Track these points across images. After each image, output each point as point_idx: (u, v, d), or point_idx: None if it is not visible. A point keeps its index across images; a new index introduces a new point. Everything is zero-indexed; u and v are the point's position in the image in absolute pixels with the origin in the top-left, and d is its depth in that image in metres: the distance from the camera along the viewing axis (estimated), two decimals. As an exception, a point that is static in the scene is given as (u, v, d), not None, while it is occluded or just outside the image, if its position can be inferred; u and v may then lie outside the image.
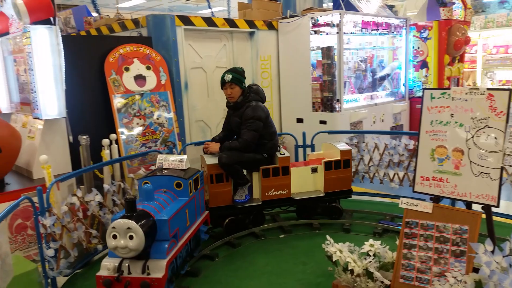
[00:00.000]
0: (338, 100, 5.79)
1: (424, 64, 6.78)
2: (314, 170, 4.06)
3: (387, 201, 4.66)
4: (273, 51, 6.29)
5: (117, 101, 4.60)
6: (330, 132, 4.98)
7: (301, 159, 4.87)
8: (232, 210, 3.78)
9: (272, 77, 6.33)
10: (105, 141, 4.13)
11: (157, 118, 4.89)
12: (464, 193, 2.61)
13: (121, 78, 4.65)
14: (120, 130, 4.58)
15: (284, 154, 3.93)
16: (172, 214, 2.84)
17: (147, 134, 4.80)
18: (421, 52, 6.77)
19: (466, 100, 2.65)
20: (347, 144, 4.63)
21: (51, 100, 3.79)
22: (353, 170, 4.62)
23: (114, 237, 2.51)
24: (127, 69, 4.70)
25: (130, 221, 2.50)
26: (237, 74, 3.79)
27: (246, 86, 3.93)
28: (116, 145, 4.24)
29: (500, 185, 2.49)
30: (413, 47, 6.88)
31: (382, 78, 6.85)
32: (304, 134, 4.85)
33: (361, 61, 6.56)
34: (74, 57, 4.29)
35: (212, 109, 5.70)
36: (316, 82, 5.97)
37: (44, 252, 2.97)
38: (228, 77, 3.74)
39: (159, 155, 3.33)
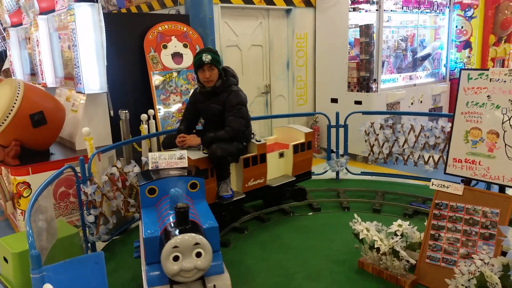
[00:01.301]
0: (375, 80, 5.69)
1: (467, 44, 6.51)
2: (281, 155, 3.97)
3: (420, 183, 4.60)
4: (310, 29, 6.22)
5: (155, 78, 4.74)
6: (364, 113, 4.92)
7: (333, 140, 4.86)
8: (218, 208, 3.36)
9: (308, 56, 6.28)
10: (144, 116, 4.30)
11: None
12: (497, 176, 2.56)
13: (159, 55, 4.77)
14: (157, 106, 4.73)
15: (260, 141, 3.68)
16: (214, 221, 2.38)
17: (183, 110, 4.93)
18: (464, 32, 6.49)
19: (504, 81, 2.57)
20: (381, 124, 4.59)
21: (93, 76, 3.96)
22: (386, 151, 4.59)
23: (176, 258, 1.99)
24: (165, 47, 4.81)
25: (197, 235, 2.03)
26: (216, 55, 3.38)
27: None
28: (153, 121, 4.41)
29: (536, 169, 2.42)
30: (456, 26, 6.59)
31: (423, 58, 6.64)
32: (337, 114, 4.82)
33: (401, 40, 6.37)
34: (115, 34, 4.43)
35: (246, 87, 5.73)
36: (353, 61, 5.88)
37: (85, 218, 3.17)
38: (208, 57, 3.28)
39: (150, 154, 2.77)
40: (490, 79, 2.63)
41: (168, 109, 4.83)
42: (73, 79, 4.16)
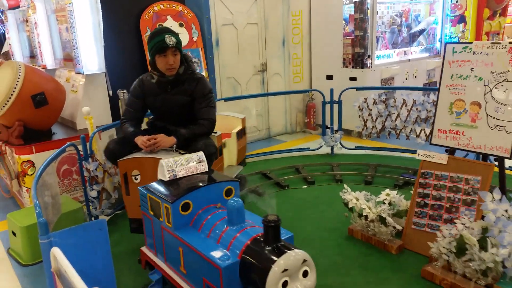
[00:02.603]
0: (369, 56, 5.76)
1: (462, 19, 6.54)
2: (224, 145, 3.74)
3: (412, 156, 4.72)
4: (305, 6, 6.25)
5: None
6: (358, 89, 5.02)
7: (327, 116, 4.98)
8: None
9: (303, 33, 6.33)
10: (141, 95, 4.41)
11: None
12: (479, 146, 2.69)
13: (155, 35, 4.84)
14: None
15: (217, 132, 3.36)
16: (286, 230, 2.04)
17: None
18: (459, 6, 6.51)
19: (487, 54, 2.67)
20: (374, 100, 4.70)
21: (92, 56, 4.05)
22: (379, 126, 4.70)
23: (285, 284, 1.66)
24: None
25: (304, 252, 1.72)
26: (179, 37, 2.89)
27: None
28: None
29: (515, 137, 2.54)
30: (451, 1, 6.60)
31: (418, 34, 6.68)
32: (331, 90, 4.92)
33: (396, 15, 6.40)
34: (111, 15, 4.50)
35: (243, 66, 5.83)
36: (347, 37, 5.93)
37: (88, 194, 3.33)
38: (172, 40, 2.78)
39: (164, 162, 2.27)
40: (474, 52, 2.72)
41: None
42: (72, 61, 4.25)
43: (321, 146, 5.10)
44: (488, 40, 6.49)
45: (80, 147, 3.29)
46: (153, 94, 3.01)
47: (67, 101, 4.16)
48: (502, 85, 2.59)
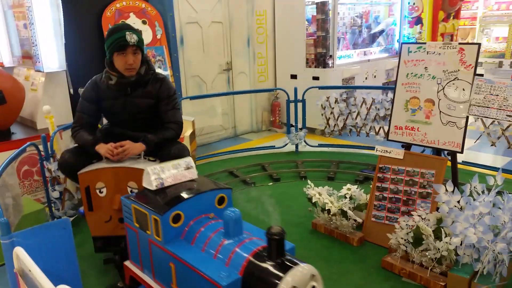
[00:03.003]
0: (331, 56, 5.91)
1: (418, 20, 6.82)
2: None
3: (372, 153, 4.91)
4: (269, 6, 6.33)
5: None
6: (320, 88, 5.15)
7: (292, 115, 5.08)
8: None
9: (268, 33, 6.41)
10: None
11: (154, 73, 5.05)
12: (432, 141, 2.84)
13: (118, 32, 4.77)
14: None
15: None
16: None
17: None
18: (416, 8, 6.79)
19: (439, 54, 2.83)
20: (336, 99, 4.84)
21: (52, 54, 3.96)
22: (341, 124, 4.85)
23: None
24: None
25: (311, 266, 1.61)
26: (141, 36, 2.68)
27: None
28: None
29: (465, 133, 2.71)
30: (408, 3, 6.89)
31: (377, 34, 6.92)
32: (295, 89, 5.03)
33: (357, 16, 6.60)
34: (72, 11, 4.40)
35: (208, 65, 5.84)
36: (310, 38, 6.06)
37: (50, 194, 3.26)
38: (133, 37, 2.55)
39: (149, 169, 2.06)
40: (427, 52, 2.88)
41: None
42: (31, 58, 4.13)
43: (286, 144, 5.20)
44: (443, 41, 6.80)
45: (41, 147, 3.21)
46: (111, 97, 2.70)
47: (26, 100, 4.04)
48: (453, 83, 2.75)
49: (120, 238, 2.54)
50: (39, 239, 1.85)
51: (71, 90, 4.20)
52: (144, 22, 4.94)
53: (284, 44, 6.38)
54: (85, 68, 4.68)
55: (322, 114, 4.92)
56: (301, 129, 5.09)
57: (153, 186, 2.03)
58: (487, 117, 2.67)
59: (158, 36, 5.05)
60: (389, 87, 5.45)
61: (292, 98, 5.04)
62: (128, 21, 4.81)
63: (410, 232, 2.55)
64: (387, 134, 3.10)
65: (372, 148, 4.97)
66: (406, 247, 2.57)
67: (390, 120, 3.06)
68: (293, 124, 5.12)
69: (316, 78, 5.95)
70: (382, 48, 6.95)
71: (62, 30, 3.93)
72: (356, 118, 4.76)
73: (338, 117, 4.85)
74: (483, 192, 2.41)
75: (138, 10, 4.90)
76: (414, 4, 6.81)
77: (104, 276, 2.68)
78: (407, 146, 2.97)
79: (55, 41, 3.93)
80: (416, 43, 2.97)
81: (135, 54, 2.61)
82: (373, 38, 6.87)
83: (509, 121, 2.61)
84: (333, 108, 4.84)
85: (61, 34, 3.93)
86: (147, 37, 4.95)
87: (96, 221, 2.58)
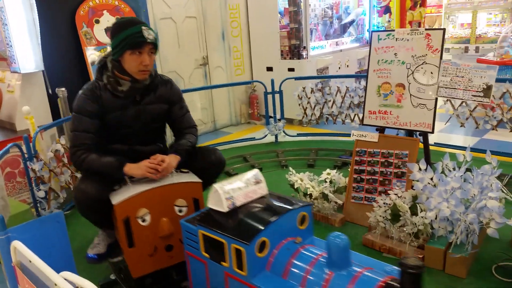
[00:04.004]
0: (304, 47, 6.04)
1: (387, 9, 7.02)
2: None
3: (348, 139, 5.07)
4: (242, 0, 6.40)
5: (90, 54, 4.75)
6: (296, 78, 5.27)
7: (270, 107, 5.19)
8: None
9: (242, 27, 6.49)
10: (82, 93, 4.35)
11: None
12: (405, 123, 3.00)
13: (93, 30, 4.76)
14: (95, 82, 4.77)
15: None
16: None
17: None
18: (384, -2, 6.99)
19: (408, 40, 2.98)
20: (312, 89, 4.97)
21: (28, 54, 3.93)
22: (318, 113, 4.99)
23: None
24: (97, 22, 4.80)
25: None
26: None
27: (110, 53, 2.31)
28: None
29: (435, 114, 2.88)
30: (377, -7, 7.08)
31: (348, 25, 7.09)
32: (272, 81, 5.13)
33: (327, 8, 6.75)
34: (47, 10, 4.36)
35: (184, 60, 5.88)
36: (283, 30, 6.17)
37: (35, 194, 3.27)
38: (151, 34, 2.20)
39: (217, 186, 1.74)
40: (396, 38, 3.03)
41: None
42: (6, 60, 4.09)
43: (265, 135, 5.31)
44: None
45: (24, 148, 3.22)
46: (119, 107, 2.28)
47: (3, 102, 4.01)
48: (422, 67, 2.91)
49: (170, 269, 2.26)
50: (34, 233, 1.90)
51: (50, 90, 4.19)
52: (118, 20, 4.94)
53: (259, 37, 6.47)
54: (63, 67, 4.67)
55: (299, 104, 5.05)
56: (279, 120, 5.21)
57: (224, 208, 1.70)
58: (454, 98, 2.83)
59: (133, 33, 5.06)
60: (362, 75, 5.64)
61: (269, 90, 5.15)
62: (102, 19, 4.81)
63: (388, 210, 2.70)
64: (361, 119, 3.25)
65: (348, 135, 5.11)
66: (385, 224, 2.72)
67: (364, 106, 3.20)
68: (272, 115, 5.23)
69: (291, 70, 6.07)
70: (353, 38, 7.13)
71: (37, 30, 3.91)
72: (331, 106, 4.91)
73: (314, 106, 4.99)
74: (454, 169, 2.57)
75: (111, 7, 4.89)
76: (382, -7, 7.01)
77: (95, 272, 2.71)
78: (381, 129, 3.12)
79: (30, 41, 3.90)
80: (386, 30, 3.11)
81: (150, 54, 2.23)
82: (344, 28, 7.04)
83: (475, 101, 2.78)
84: (309, 98, 4.97)
85: (36, 34, 3.91)
86: (122, 34, 4.95)
87: (138, 258, 2.16)
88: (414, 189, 2.72)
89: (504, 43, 5.75)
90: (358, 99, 4.67)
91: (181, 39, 5.80)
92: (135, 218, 2.10)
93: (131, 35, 2.15)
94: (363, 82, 4.61)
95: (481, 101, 2.77)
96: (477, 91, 2.75)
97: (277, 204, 1.76)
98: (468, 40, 8.00)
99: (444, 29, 2.86)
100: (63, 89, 4.05)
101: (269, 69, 6.41)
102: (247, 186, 1.79)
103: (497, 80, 3.72)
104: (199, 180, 2.24)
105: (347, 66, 6.67)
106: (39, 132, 3.40)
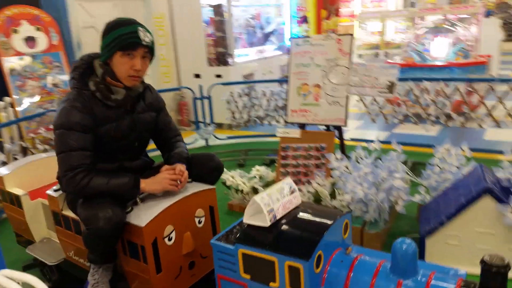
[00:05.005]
0: (230, 55, 6.28)
1: (305, 19, 7.52)
2: None
3: (274, 140, 5.37)
4: (166, 10, 6.50)
5: (9, 64, 4.58)
6: (224, 84, 5.48)
7: (199, 112, 5.34)
8: None
9: (168, 35, 6.58)
10: (0, 104, 4.18)
11: (52, 79, 4.96)
12: (322, 119, 3.32)
13: (10, 40, 4.60)
14: (14, 93, 4.60)
15: None
16: None
17: (42, 95, 4.87)
18: (302, 8, 7.48)
19: (322, 45, 3.31)
20: (239, 93, 5.21)
21: None
22: (246, 116, 5.23)
23: None
24: (15, 31, 4.65)
25: None
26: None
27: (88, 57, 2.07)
28: (11, 108, 4.31)
29: (347, 110, 3.23)
30: (295, 4, 7.54)
31: (270, 34, 7.47)
32: (200, 86, 5.30)
33: (250, 17, 7.07)
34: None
35: (110, 69, 5.83)
36: (210, 38, 6.37)
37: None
38: (147, 36, 1.97)
39: (255, 198, 1.55)
40: (312, 44, 3.35)
41: (26, 95, 4.72)
42: None
43: (196, 140, 5.44)
44: (327, 37, 7.58)
45: None
46: (113, 118, 2.01)
47: None
48: (335, 69, 3.25)
49: None
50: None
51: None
52: (38, 29, 4.82)
53: (185, 45, 6.59)
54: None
55: (228, 109, 5.26)
56: (209, 124, 5.37)
57: (267, 222, 1.52)
58: (363, 95, 3.20)
59: (54, 42, 4.96)
60: (285, 79, 5.98)
61: (198, 95, 5.30)
62: (20, 29, 4.67)
63: (311, 196, 2.98)
64: (286, 117, 3.51)
65: (275, 136, 5.45)
66: (310, 210, 2.99)
67: (287, 106, 3.48)
68: (201, 120, 5.38)
69: (219, 76, 6.27)
70: (276, 46, 7.52)
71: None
72: (258, 110, 5.17)
73: (242, 110, 5.22)
74: (365, 157, 2.91)
75: (31, 17, 4.76)
76: (300, 4, 7.49)
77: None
78: (302, 126, 3.41)
79: None
80: (303, 37, 3.43)
81: (144, 58, 1.99)
82: (266, 37, 7.41)
83: (381, 96, 3.16)
84: (237, 102, 5.20)
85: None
86: (42, 43, 4.84)
87: (166, 284, 1.92)
88: (332, 177, 3.03)
89: (408, 48, 6.44)
90: (282, 102, 4.98)
91: (105, 48, 5.75)
92: (162, 238, 1.88)
93: (124, 34, 1.92)
94: (286, 86, 4.93)
95: (386, 96, 3.17)
96: (382, 88, 3.14)
97: (318, 213, 1.62)
98: (378, 46, 8.78)
99: (352, 35, 3.23)
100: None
101: (197, 76, 6.55)
102: (283, 196, 1.62)
103: (402, 80, 4.24)
104: (213, 186, 2.14)
105: (271, 72, 7.03)
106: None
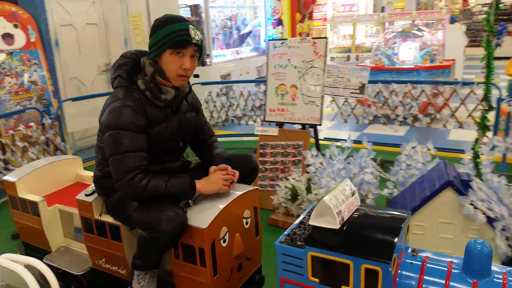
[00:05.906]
0: (208, 55, 6.39)
1: (280, 22, 7.72)
2: None
3: (252, 139, 5.54)
4: (143, 8, 6.54)
5: (-12, 59, 4.55)
6: (202, 83, 5.59)
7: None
8: None
9: (145, 34, 6.61)
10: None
11: (30, 77, 4.94)
12: (299, 118, 3.50)
13: (-14, 36, 4.57)
14: (-9, 89, 4.57)
15: None
16: None
17: (20, 93, 4.85)
18: (277, 11, 7.67)
19: (298, 47, 3.49)
20: (217, 93, 5.34)
21: None
22: (224, 116, 5.37)
23: None
24: (-8, 27, 4.62)
25: None
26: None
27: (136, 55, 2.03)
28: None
29: (322, 109, 3.42)
30: (270, 6, 7.74)
31: (246, 35, 7.63)
32: (178, 86, 5.38)
33: (227, 19, 7.21)
34: None
35: (86, 66, 5.84)
36: (187, 38, 6.45)
37: None
38: (197, 35, 1.89)
39: (325, 201, 1.47)
40: (289, 46, 3.52)
41: (4, 92, 4.69)
42: None
43: (173, 138, 5.52)
44: (301, 39, 7.81)
45: None
46: (162, 119, 1.96)
47: None
48: (311, 71, 3.44)
49: None
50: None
51: None
52: (15, 26, 4.79)
53: (162, 45, 6.64)
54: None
55: (206, 108, 5.38)
56: (186, 123, 5.47)
57: (337, 224, 1.47)
58: (336, 95, 3.40)
59: (32, 40, 4.94)
60: (262, 80, 6.16)
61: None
62: (-3, 25, 4.64)
63: (288, 191, 3.15)
64: (263, 117, 3.68)
65: (252, 135, 5.62)
66: (286, 204, 3.16)
67: (265, 105, 3.64)
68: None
69: (196, 76, 6.37)
70: (252, 47, 7.69)
71: None
72: (236, 109, 5.32)
73: (220, 109, 5.36)
74: (338, 154, 3.11)
75: (8, 13, 4.73)
76: (275, 7, 7.68)
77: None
78: (280, 125, 3.58)
79: None
80: (280, 39, 3.59)
81: (192, 58, 1.91)
82: (242, 38, 7.56)
83: (353, 97, 3.37)
84: (215, 102, 5.33)
85: None
86: (20, 41, 4.82)
87: (220, 286, 1.90)
88: (308, 172, 3.21)
89: (378, 52, 6.73)
90: (259, 102, 5.15)
91: (82, 45, 5.76)
92: (219, 240, 1.84)
93: (175, 31, 1.84)
94: (262, 87, 5.11)
95: (357, 97, 3.38)
96: (354, 89, 3.35)
97: (383, 215, 1.57)
98: (350, 49, 9.09)
99: (326, 38, 3.42)
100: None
101: (174, 75, 6.62)
102: (347, 198, 1.57)
103: (372, 82, 4.48)
104: (256, 187, 2.13)
105: (248, 73, 7.19)
106: None
